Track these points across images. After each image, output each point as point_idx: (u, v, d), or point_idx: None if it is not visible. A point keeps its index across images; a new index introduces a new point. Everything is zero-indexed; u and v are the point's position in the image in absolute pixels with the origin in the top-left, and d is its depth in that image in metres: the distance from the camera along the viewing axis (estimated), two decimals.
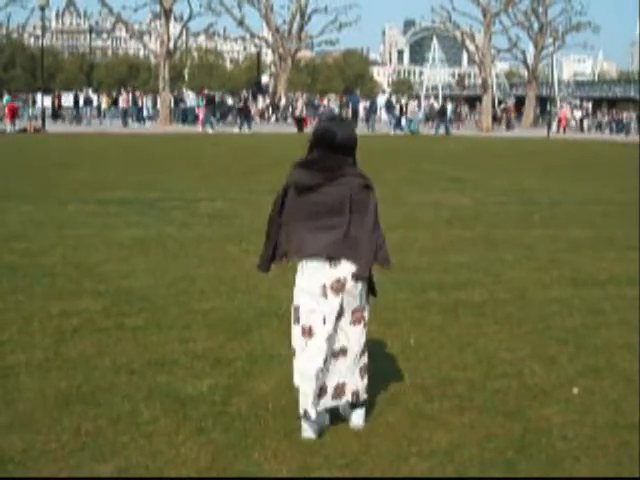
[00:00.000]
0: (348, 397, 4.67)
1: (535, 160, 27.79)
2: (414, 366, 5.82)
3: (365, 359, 4.72)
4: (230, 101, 53.23)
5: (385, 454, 4.40)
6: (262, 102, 57.79)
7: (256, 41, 68.59)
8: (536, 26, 62.16)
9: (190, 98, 52.73)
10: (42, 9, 43.70)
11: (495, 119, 57.42)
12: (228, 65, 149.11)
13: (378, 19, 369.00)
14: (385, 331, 6.45)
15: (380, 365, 5.52)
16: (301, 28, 61.33)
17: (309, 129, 36.69)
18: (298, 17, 60.95)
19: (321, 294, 4.53)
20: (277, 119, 54.44)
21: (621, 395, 5.35)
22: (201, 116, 43.68)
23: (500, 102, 68.86)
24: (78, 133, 37.32)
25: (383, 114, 51.91)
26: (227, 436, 4.57)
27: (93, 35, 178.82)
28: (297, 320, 4.62)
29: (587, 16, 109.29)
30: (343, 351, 4.63)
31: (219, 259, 9.53)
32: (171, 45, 51.42)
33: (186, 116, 48.79)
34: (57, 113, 48.81)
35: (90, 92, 60.85)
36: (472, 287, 8.35)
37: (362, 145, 4.70)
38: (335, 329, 4.58)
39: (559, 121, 55.27)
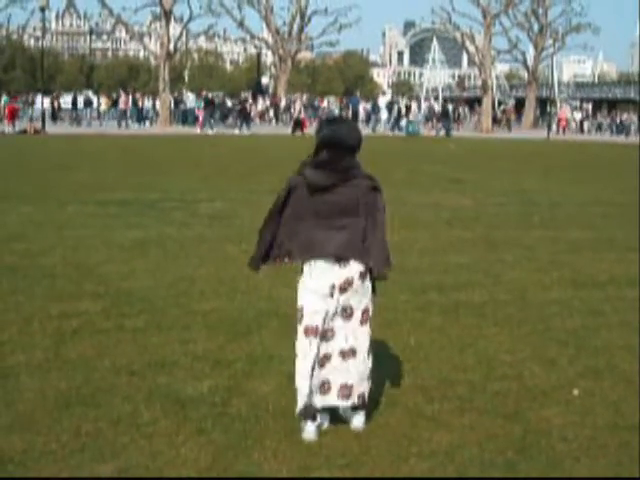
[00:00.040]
0: (354, 399, 4.69)
1: (535, 161, 27.81)
2: (414, 367, 5.83)
3: (371, 361, 4.74)
4: (229, 103, 53.24)
5: (385, 454, 4.40)
6: (262, 103, 57.81)
7: (256, 42, 68.57)
8: (536, 27, 62.19)
9: (190, 99, 52.80)
10: (42, 10, 43.77)
11: (495, 120, 57.46)
12: (228, 66, 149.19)
13: (378, 20, 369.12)
14: (385, 332, 6.44)
15: (381, 366, 5.51)
16: (301, 29, 61.36)
17: (309, 130, 36.72)
18: (298, 18, 60.96)
19: (329, 294, 4.56)
20: (277, 121, 54.46)
21: (621, 396, 5.35)
22: (201, 117, 43.72)
23: (500, 103, 68.91)
24: (78, 134, 37.32)
25: (383, 115, 51.95)
26: (227, 437, 4.57)
27: (93, 36, 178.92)
28: (300, 320, 4.63)
29: (587, 17, 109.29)
30: (353, 351, 4.65)
31: (219, 260, 9.54)
32: (171, 46, 51.47)
33: (186, 117, 48.82)
34: (56, 115, 48.82)
35: (90, 94, 60.95)
36: (472, 288, 8.36)
37: (363, 146, 4.71)
38: (340, 328, 4.60)
39: (559, 122, 55.31)
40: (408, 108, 50.21)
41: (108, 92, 66.54)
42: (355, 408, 4.73)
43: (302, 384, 4.58)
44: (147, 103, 53.05)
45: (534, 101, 64.18)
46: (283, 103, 55.94)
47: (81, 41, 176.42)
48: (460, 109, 64.46)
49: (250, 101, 54.67)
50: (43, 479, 4.10)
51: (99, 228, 11.54)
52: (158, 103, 51.22)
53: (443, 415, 4.96)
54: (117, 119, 47.13)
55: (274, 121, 54.65)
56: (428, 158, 27.75)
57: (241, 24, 60.71)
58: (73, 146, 29.67)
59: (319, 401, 4.64)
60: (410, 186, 18.16)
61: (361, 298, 4.64)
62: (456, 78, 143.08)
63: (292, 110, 50.85)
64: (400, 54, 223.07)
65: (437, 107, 57.26)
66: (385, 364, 5.68)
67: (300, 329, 4.63)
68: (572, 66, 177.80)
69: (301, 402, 4.59)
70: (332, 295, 4.57)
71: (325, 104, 59.56)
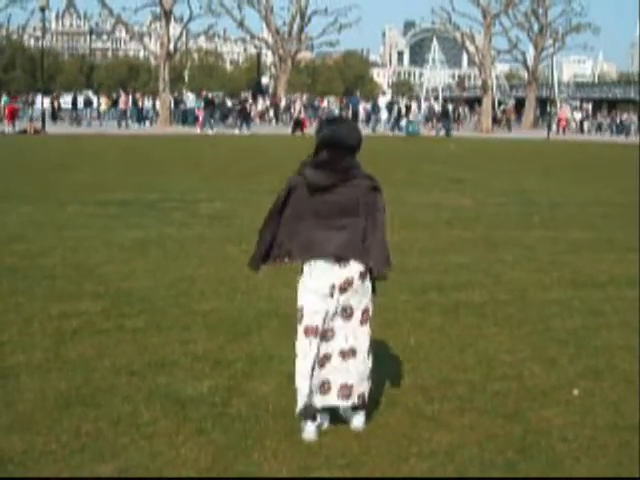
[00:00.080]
0: (354, 399, 4.69)
1: (535, 161, 27.81)
2: (414, 367, 5.83)
3: (371, 361, 4.74)
4: (229, 103, 53.26)
5: (385, 454, 4.40)
6: (262, 103, 57.82)
7: (256, 42, 68.57)
8: (536, 27, 62.19)
9: (190, 99, 52.81)
10: (42, 10, 43.77)
11: (495, 120, 57.46)
12: (228, 66, 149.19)
13: (378, 20, 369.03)
14: (385, 332, 6.44)
15: (381, 366, 5.51)
16: (301, 29, 61.36)
17: (309, 130, 36.72)
18: (298, 18, 60.97)
19: (329, 294, 4.56)
20: (277, 121, 54.47)
21: (621, 396, 5.35)
22: (201, 117, 43.73)
23: (500, 103, 68.91)
24: (78, 134, 37.32)
25: (383, 115, 51.98)
26: (227, 437, 4.57)
27: (93, 36, 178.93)
28: (301, 320, 4.63)
29: (587, 17, 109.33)
30: (353, 351, 4.66)
31: (219, 260, 9.54)
32: (171, 46, 51.48)
33: (186, 117, 48.83)
34: (56, 115, 48.83)
35: (90, 94, 60.95)
36: (472, 288, 8.36)
37: (363, 146, 4.71)
38: (340, 328, 4.60)
39: (559, 122, 55.32)
40: (408, 108, 50.22)
41: (108, 92, 66.56)
42: (355, 408, 4.73)
43: (302, 384, 4.59)
44: (147, 103, 53.09)
45: (534, 101, 64.18)
46: (283, 103, 55.95)
47: (81, 41, 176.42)
48: (460, 109, 64.48)
49: (250, 101, 54.67)
50: (43, 479, 4.10)
51: (99, 228, 11.54)
52: (158, 103, 51.25)
53: (443, 415, 4.96)
54: (117, 119, 47.16)
55: (274, 121, 54.66)
56: (428, 158, 27.75)
57: (241, 24, 60.72)
58: (73, 146, 29.67)
59: (319, 401, 4.65)
60: (410, 186, 18.16)
61: (361, 298, 4.64)
62: (456, 78, 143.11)
63: (292, 110, 50.87)
64: (400, 54, 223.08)
65: (437, 107, 57.26)
66: (385, 364, 5.68)
67: (300, 329, 4.63)
68: (572, 66, 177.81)
69: (301, 402, 4.59)
70: (332, 295, 4.57)
71: (325, 104, 59.58)
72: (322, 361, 4.63)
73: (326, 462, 4.30)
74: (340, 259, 4.56)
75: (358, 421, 4.74)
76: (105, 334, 6.46)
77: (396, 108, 50.36)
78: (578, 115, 62.79)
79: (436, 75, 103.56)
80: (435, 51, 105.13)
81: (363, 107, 55.99)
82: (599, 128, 60.75)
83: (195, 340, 6.35)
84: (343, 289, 4.58)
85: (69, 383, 5.34)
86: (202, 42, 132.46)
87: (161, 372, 5.60)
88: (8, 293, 7.72)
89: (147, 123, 49.09)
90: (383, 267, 4.64)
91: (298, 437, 4.57)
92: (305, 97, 62.49)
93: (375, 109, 52.52)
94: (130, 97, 49.05)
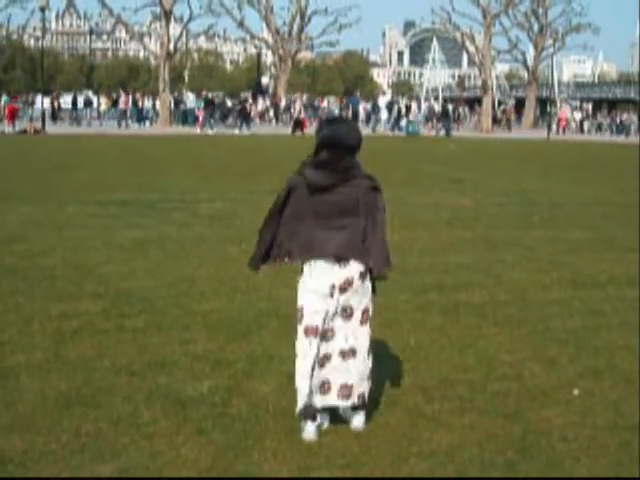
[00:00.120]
0: (354, 399, 4.69)
1: (535, 161, 27.81)
2: (414, 367, 5.83)
3: (371, 361, 4.74)
4: (229, 103, 53.28)
5: (385, 454, 4.40)
6: (262, 103, 57.82)
7: (256, 42, 68.60)
8: (536, 27, 62.19)
9: (190, 99, 52.82)
10: (42, 10, 43.78)
11: (495, 120, 57.46)
12: (228, 66, 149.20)
13: (378, 20, 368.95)
14: (385, 332, 6.44)
15: (381, 366, 5.51)
16: (301, 29, 61.36)
17: (309, 130, 36.72)
18: (298, 18, 60.97)
19: (329, 294, 4.56)
20: (277, 121, 54.48)
21: (621, 396, 5.35)
22: (201, 117, 43.74)
23: (500, 103, 68.89)
24: (78, 134, 37.32)
25: (383, 115, 51.99)
26: (227, 437, 4.57)
27: (93, 36, 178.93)
28: (301, 320, 4.63)
29: (587, 17, 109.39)
30: (353, 351, 4.66)
31: (219, 260, 9.54)
32: (171, 46, 51.48)
33: (186, 117, 48.85)
34: (56, 115, 48.83)
35: (90, 94, 60.96)
36: (472, 288, 8.36)
37: (363, 146, 4.71)
38: (340, 328, 4.61)
39: (559, 122, 55.32)
40: (408, 108, 50.24)
41: (108, 92, 66.59)
42: (355, 408, 4.73)
43: (302, 384, 4.59)
44: (147, 103, 53.11)
45: (534, 101, 64.18)
46: (283, 103, 55.96)
47: (81, 41, 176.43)
48: (460, 109, 64.47)
49: (250, 101, 54.67)
50: (43, 479, 4.10)
51: (99, 228, 11.54)
52: (158, 103, 51.25)
53: (443, 415, 4.96)
54: (117, 119, 47.16)
55: (274, 121, 54.66)
56: (428, 158, 27.75)
57: (241, 24, 60.72)
58: (73, 146, 29.67)
59: (319, 401, 4.65)
60: (410, 186, 18.16)
61: (361, 298, 4.64)
62: (456, 78, 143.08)
63: (292, 110, 50.87)
64: (400, 54, 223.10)
65: (437, 107, 57.27)
66: (385, 364, 5.68)
67: (300, 329, 4.63)
68: (572, 66, 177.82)
69: (301, 402, 4.59)
70: (332, 295, 4.57)
71: (325, 104, 59.57)
72: (322, 361, 4.63)
73: (326, 462, 4.30)
74: (340, 259, 4.57)
75: (358, 421, 4.75)
76: (105, 334, 6.46)
77: (396, 108, 50.37)
78: (578, 115, 62.80)
79: (436, 75, 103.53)
80: (435, 51, 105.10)
81: (363, 107, 55.99)
82: (599, 128, 60.75)
83: (195, 340, 6.35)
84: (343, 289, 4.58)
85: (69, 383, 5.34)
86: (202, 42, 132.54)
87: (161, 372, 5.60)
88: (8, 293, 7.72)
89: (147, 123, 49.11)
90: (383, 267, 4.64)
91: (298, 437, 4.57)
92: (305, 97, 62.51)
93: (375, 109, 52.53)
94: (130, 97, 49.07)
